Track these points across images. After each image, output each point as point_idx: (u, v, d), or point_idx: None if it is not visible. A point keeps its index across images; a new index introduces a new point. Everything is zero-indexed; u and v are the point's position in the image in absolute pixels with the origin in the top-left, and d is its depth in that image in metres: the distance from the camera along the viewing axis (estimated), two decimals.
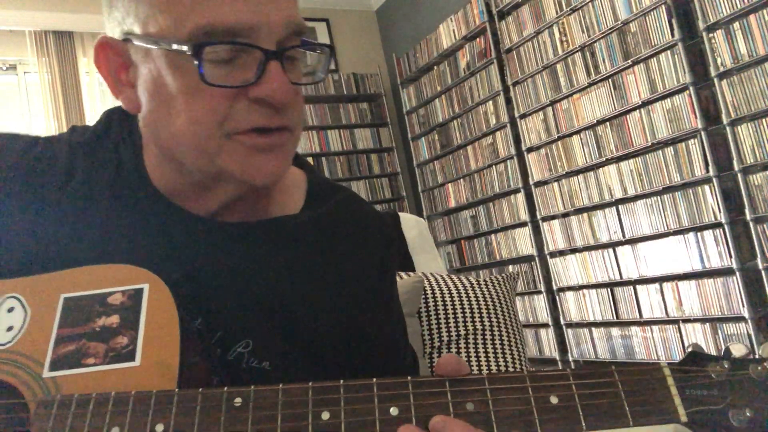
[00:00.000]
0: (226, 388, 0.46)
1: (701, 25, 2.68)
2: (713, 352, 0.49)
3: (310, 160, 4.51)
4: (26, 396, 0.48)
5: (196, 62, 0.52)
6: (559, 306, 3.57)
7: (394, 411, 0.45)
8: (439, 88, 4.34)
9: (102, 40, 0.58)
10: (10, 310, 0.53)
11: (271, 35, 0.54)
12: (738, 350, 0.48)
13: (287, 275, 0.63)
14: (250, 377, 0.59)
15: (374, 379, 0.46)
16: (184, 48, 0.52)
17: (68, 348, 0.50)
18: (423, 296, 1.46)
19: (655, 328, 3.04)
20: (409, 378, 0.46)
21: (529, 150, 3.64)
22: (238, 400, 0.45)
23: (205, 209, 0.62)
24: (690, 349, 0.49)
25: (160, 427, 0.45)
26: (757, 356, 0.48)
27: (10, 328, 0.52)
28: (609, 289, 3.25)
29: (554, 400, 0.45)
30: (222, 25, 0.51)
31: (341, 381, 0.46)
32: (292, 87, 0.55)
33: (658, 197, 2.95)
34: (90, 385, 0.48)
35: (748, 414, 0.45)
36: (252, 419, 0.44)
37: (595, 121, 3.21)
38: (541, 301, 3.71)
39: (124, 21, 0.56)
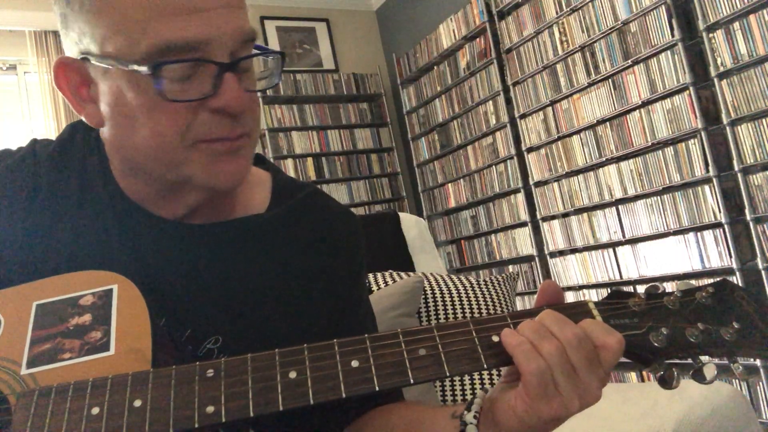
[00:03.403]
0: (198, 363, 0.49)
1: (701, 25, 2.68)
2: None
3: (309, 160, 4.51)
4: (5, 391, 0.50)
5: (155, 82, 0.54)
6: None
7: (355, 363, 0.49)
8: (439, 88, 4.34)
9: (59, 60, 0.60)
10: None
11: (223, 47, 0.56)
12: (655, 289, 0.56)
13: (252, 272, 0.66)
14: None
15: (335, 340, 0.50)
16: (144, 68, 0.54)
17: (44, 347, 0.52)
18: (423, 296, 1.46)
19: None
20: (366, 335, 0.50)
21: (529, 150, 3.64)
22: (210, 371, 0.48)
23: (172, 214, 0.64)
24: (612, 289, 0.55)
25: (138, 402, 0.47)
26: (670, 291, 0.55)
27: None
28: (609, 289, 3.24)
29: (495, 338, 0.51)
30: (176, 42, 0.53)
31: (305, 345, 0.50)
32: (248, 95, 0.58)
33: (658, 197, 2.95)
34: (68, 377, 0.50)
35: (664, 332, 0.52)
36: (225, 385, 0.47)
37: (595, 121, 3.20)
38: None
39: (81, 41, 0.58)
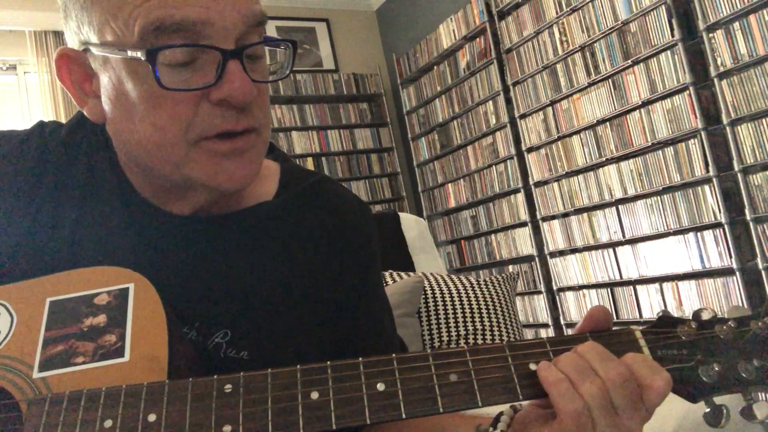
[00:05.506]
0: (216, 376, 0.47)
1: (701, 25, 2.68)
2: None
3: (309, 160, 4.51)
4: (17, 397, 0.48)
5: (151, 68, 0.50)
6: (559, 306, 3.57)
7: (380, 386, 0.46)
8: (439, 88, 4.34)
9: (60, 52, 0.56)
10: None
11: (227, 32, 0.51)
12: (706, 313, 0.51)
13: (259, 264, 0.63)
14: (229, 368, 0.58)
15: (360, 359, 0.47)
16: (138, 54, 0.50)
17: (57, 349, 0.50)
18: (423, 296, 1.46)
19: None
20: (393, 355, 0.47)
21: (529, 150, 3.64)
22: (228, 386, 0.46)
23: (180, 210, 0.62)
24: (660, 314, 0.52)
25: (152, 417, 0.45)
26: (722, 317, 0.51)
27: None
28: (609, 289, 3.25)
29: (533, 366, 0.47)
30: (171, 20, 0.49)
31: (328, 362, 0.47)
32: (255, 86, 0.53)
33: (658, 197, 2.95)
34: (80, 383, 0.48)
35: (716, 369, 0.47)
36: (243, 403, 0.45)
37: (595, 121, 3.20)
38: (541, 301, 3.71)
39: (80, 31, 0.55)
